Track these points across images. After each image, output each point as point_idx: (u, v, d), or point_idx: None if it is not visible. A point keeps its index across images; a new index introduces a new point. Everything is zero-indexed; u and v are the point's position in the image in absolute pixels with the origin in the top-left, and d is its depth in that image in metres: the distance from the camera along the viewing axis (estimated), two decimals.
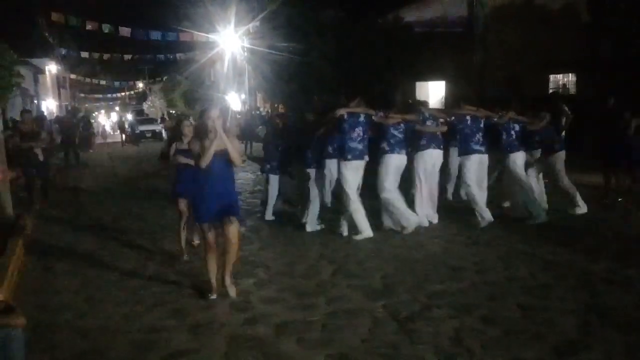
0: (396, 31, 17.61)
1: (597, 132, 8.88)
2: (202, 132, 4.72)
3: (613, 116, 8.62)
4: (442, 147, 7.36)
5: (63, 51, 27.25)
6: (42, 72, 33.91)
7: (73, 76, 36.21)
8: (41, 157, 9.41)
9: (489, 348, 3.76)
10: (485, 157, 7.31)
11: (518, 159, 7.42)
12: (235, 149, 4.66)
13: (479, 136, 7.22)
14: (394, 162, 6.89)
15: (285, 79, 19.02)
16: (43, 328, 4.30)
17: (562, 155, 7.77)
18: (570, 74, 16.71)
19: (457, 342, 3.89)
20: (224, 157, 4.63)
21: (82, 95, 40.21)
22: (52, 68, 36.24)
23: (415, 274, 5.38)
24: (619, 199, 8.41)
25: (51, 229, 8.03)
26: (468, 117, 7.27)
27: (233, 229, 4.65)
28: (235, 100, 27.54)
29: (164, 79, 34.87)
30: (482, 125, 7.30)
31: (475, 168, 7.22)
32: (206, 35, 22.65)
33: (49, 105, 35.35)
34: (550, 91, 16.27)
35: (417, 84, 19.13)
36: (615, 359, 3.55)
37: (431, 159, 7.23)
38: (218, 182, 4.68)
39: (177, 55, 26.70)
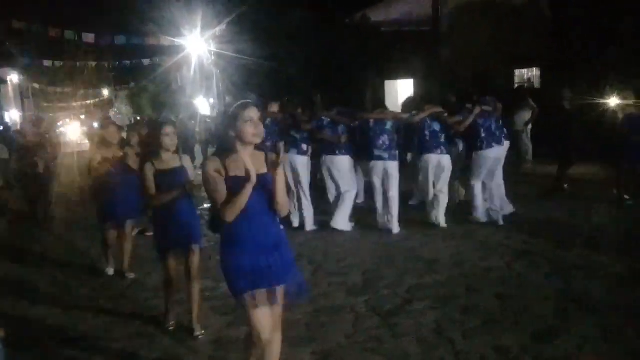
0: (364, 31, 17.75)
1: (552, 124, 9.13)
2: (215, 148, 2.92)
3: (565, 110, 8.92)
4: (343, 152, 6.96)
5: (25, 60, 26.65)
6: (4, 82, 33.11)
7: (36, 85, 35.44)
8: (41, 169, 8.38)
9: (470, 337, 3.85)
10: (390, 164, 6.82)
11: (428, 161, 6.92)
12: (281, 189, 2.81)
13: (383, 140, 6.77)
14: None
15: (254, 82, 19.00)
16: (22, 340, 4.22)
17: (487, 153, 6.93)
18: (534, 69, 17.10)
19: (439, 333, 3.96)
20: (263, 188, 2.78)
21: (46, 104, 39.39)
22: (14, 78, 35.39)
23: (394, 269, 5.46)
24: (565, 185, 8.79)
25: (22, 238, 7.85)
26: (371, 121, 6.86)
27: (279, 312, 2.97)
28: (204, 105, 27.36)
29: (130, 85, 34.42)
30: (388, 127, 6.83)
31: (378, 174, 6.85)
32: (172, 39, 22.40)
33: (13, 116, 34.52)
34: (516, 85, 16.64)
35: (386, 83, 19.29)
36: (592, 342, 3.66)
37: (331, 164, 7.05)
38: (259, 230, 2.80)
39: (143, 60, 26.33)
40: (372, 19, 18.39)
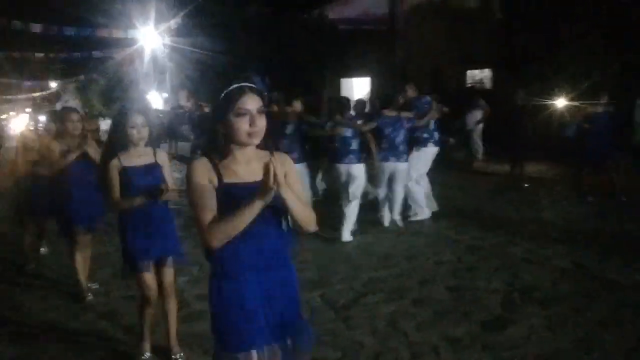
0: (321, 28, 17.82)
1: (505, 125, 9.44)
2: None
3: (518, 110, 9.25)
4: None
5: None
6: None
7: None
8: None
9: (422, 329, 3.94)
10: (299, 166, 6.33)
11: (338, 171, 6.55)
12: (294, 200, 1.98)
13: (285, 142, 6.61)
14: None
15: (209, 76, 18.78)
16: None
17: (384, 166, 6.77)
18: (486, 69, 17.56)
19: (392, 325, 4.04)
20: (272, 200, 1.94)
21: None
22: None
23: (349, 264, 5.52)
24: (526, 185, 9.07)
25: None
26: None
27: None
28: (156, 99, 26.83)
29: (79, 77, 33.40)
30: (288, 132, 6.71)
31: None
32: (125, 31, 21.86)
33: None
34: (468, 86, 17.05)
35: (342, 80, 19.43)
36: (538, 331, 3.81)
37: None
38: (265, 258, 2.07)
39: (93, 52, 25.59)
40: (330, 17, 18.47)
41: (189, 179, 2.03)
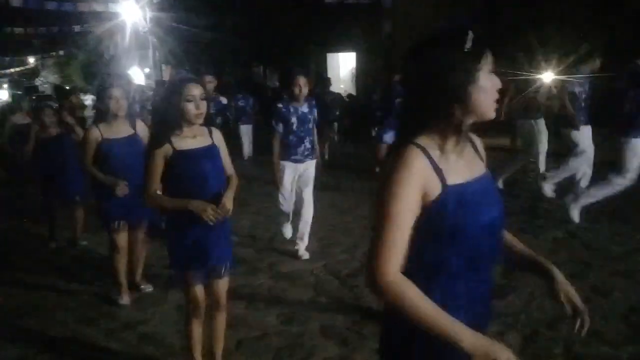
0: (307, 3, 17.67)
1: None
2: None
3: None
4: None
5: None
6: None
7: None
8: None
9: None
10: None
11: None
12: None
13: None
14: None
15: (194, 52, 18.58)
16: None
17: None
18: None
19: None
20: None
21: None
22: None
23: (350, 236, 5.62)
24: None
25: None
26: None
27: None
28: (138, 74, 26.45)
29: (59, 52, 32.70)
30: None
31: None
32: (105, 4, 21.40)
33: None
34: None
35: (328, 55, 19.34)
36: (538, 299, 3.96)
37: None
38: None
39: (73, 27, 25.06)
40: None
41: (392, 181, 1.34)
